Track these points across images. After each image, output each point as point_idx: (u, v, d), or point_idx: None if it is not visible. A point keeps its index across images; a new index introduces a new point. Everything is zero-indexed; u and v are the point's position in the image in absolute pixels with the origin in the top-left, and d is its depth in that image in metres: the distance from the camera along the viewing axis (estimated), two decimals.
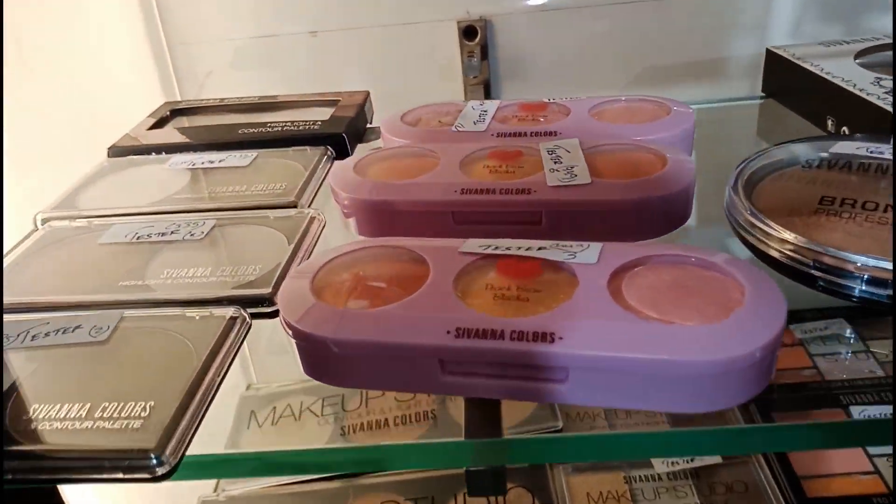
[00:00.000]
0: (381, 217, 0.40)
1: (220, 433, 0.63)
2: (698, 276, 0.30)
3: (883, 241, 0.33)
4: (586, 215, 0.38)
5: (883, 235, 0.33)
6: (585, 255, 0.31)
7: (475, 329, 0.28)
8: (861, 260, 0.31)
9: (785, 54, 0.54)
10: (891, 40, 0.55)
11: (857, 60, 0.51)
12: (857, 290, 0.32)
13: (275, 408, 0.67)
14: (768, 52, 0.56)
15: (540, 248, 0.32)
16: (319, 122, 0.52)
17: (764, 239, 0.35)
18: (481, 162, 0.43)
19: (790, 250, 0.33)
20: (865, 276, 0.31)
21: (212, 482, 0.63)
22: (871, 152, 0.38)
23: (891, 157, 0.37)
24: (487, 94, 0.70)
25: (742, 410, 0.63)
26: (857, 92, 0.45)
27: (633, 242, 0.33)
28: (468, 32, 0.68)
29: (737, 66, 0.69)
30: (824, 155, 0.39)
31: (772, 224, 0.34)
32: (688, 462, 0.61)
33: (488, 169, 0.42)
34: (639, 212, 0.37)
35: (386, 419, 0.63)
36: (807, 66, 0.51)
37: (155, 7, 0.68)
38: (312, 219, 0.41)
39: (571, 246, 0.32)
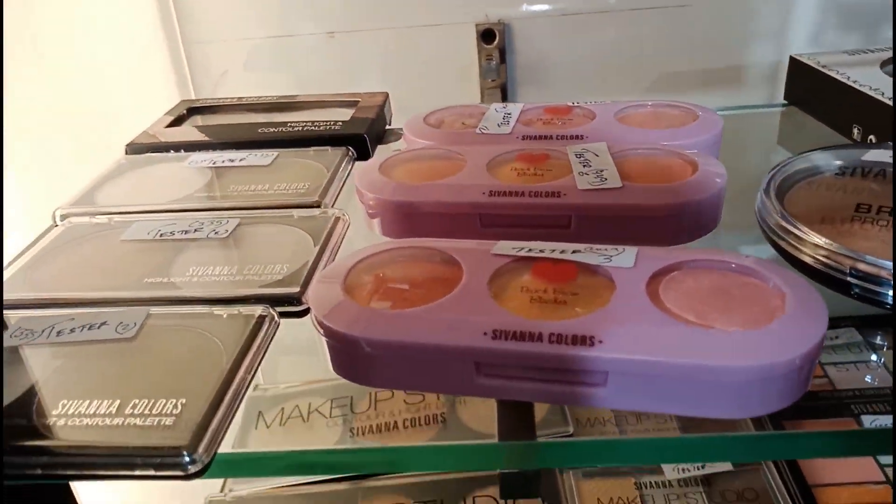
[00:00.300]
0: (406, 218, 0.40)
1: (228, 433, 0.62)
2: (736, 281, 0.29)
3: None
4: (616, 220, 0.37)
5: None
6: (621, 258, 0.31)
7: (512, 331, 0.27)
8: None
9: (809, 62, 0.54)
10: None
11: (883, 69, 0.51)
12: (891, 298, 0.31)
13: (283, 409, 0.67)
14: (792, 59, 0.56)
15: (574, 252, 0.32)
16: (340, 123, 0.52)
17: (797, 244, 0.34)
18: (508, 164, 0.42)
19: (824, 256, 0.33)
20: None
21: (218, 481, 0.62)
22: None
23: None
24: (504, 98, 0.70)
25: (753, 418, 0.63)
26: (885, 101, 0.45)
27: (667, 247, 0.33)
28: (486, 35, 0.68)
29: (756, 74, 0.69)
30: (857, 163, 0.38)
31: (805, 229, 0.34)
32: (699, 469, 0.61)
33: (516, 171, 0.41)
34: (671, 217, 0.37)
35: (395, 422, 0.63)
36: (832, 73, 0.51)
37: (171, 5, 0.67)
38: (337, 219, 0.41)
39: (607, 249, 0.32)
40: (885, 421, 0.61)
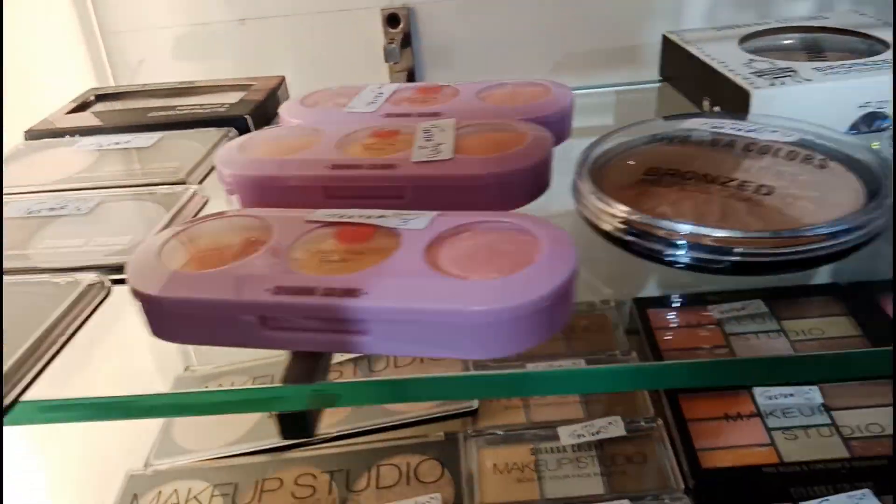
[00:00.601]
0: (259, 192, 0.42)
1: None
2: (509, 238, 0.32)
3: (699, 206, 0.35)
4: (446, 189, 0.40)
5: (700, 200, 0.35)
6: (416, 222, 0.34)
7: (292, 287, 0.30)
8: (674, 227, 0.33)
9: (675, 38, 0.56)
10: (781, 25, 0.57)
11: (742, 44, 0.53)
12: (671, 255, 0.34)
13: (207, 387, 0.70)
14: (664, 37, 0.58)
15: (380, 216, 0.35)
16: (226, 105, 0.55)
17: (597, 213, 0.37)
18: (361, 140, 0.45)
19: (620, 222, 0.35)
20: (680, 242, 0.33)
21: (142, 457, 0.65)
22: (714, 128, 0.40)
23: (729, 132, 0.39)
24: (411, 81, 0.72)
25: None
26: (725, 72, 0.47)
27: (466, 212, 0.35)
28: (392, 20, 0.70)
29: (653, 51, 0.71)
30: (670, 132, 0.41)
31: (603, 198, 0.36)
32: (593, 435, 0.63)
33: (364, 146, 0.44)
34: (495, 185, 0.39)
35: None
36: (691, 49, 0.53)
37: None
38: (194, 194, 0.43)
39: (409, 214, 0.35)
40: (776, 392, 0.64)
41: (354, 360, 0.69)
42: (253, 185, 0.43)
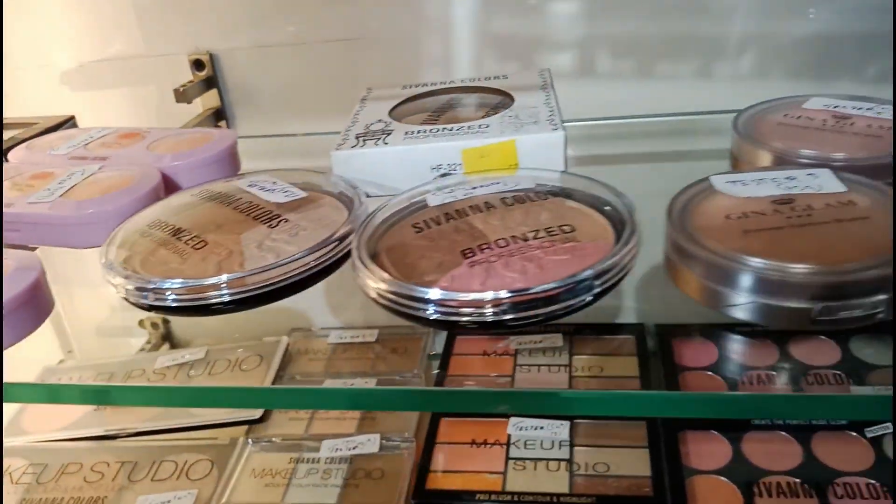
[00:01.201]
0: None
1: None
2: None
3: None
4: (45, 226, 0.49)
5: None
6: None
7: None
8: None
9: (365, 94, 0.62)
10: (447, 86, 0.62)
11: (399, 105, 0.59)
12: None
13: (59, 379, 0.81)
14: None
15: None
16: None
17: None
18: (21, 180, 0.54)
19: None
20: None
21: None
22: (250, 186, 0.47)
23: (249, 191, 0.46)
24: (219, 120, 0.82)
25: None
26: (343, 132, 0.54)
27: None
28: (198, 65, 0.80)
29: None
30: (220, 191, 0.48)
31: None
32: (350, 450, 0.68)
33: (16, 186, 0.53)
34: (78, 224, 0.48)
35: None
36: (356, 106, 0.59)
37: None
38: None
39: None
40: (528, 424, 0.67)
41: (179, 366, 0.80)
42: None
